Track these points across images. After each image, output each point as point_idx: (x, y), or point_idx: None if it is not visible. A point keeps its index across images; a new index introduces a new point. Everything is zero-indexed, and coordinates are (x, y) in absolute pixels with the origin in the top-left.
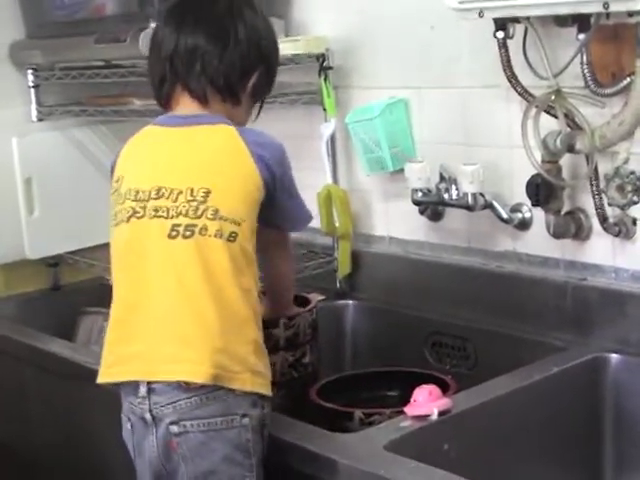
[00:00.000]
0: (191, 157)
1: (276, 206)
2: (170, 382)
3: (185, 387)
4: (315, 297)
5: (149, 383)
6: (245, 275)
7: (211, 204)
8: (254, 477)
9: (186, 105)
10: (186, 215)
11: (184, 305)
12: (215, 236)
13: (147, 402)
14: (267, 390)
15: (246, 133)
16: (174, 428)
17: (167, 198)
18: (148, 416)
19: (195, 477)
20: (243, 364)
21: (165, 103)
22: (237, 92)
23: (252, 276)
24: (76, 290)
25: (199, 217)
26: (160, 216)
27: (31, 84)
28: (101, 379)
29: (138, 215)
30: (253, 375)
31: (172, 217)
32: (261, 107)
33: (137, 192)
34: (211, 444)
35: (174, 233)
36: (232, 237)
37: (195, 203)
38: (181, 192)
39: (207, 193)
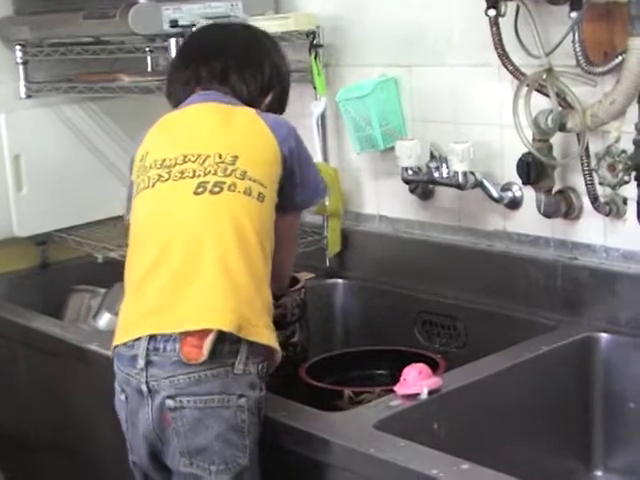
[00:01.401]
0: (217, 128)
1: (294, 181)
2: (173, 354)
3: (185, 363)
4: (304, 276)
5: (148, 355)
6: (267, 238)
7: (239, 166)
8: (247, 458)
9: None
10: (215, 174)
11: (212, 258)
12: (245, 193)
13: (144, 374)
14: (277, 346)
15: (263, 115)
16: (170, 402)
17: (194, 162)
18: (144, 388)
19: (187, 452)
20: (261, 319)
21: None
22: (255, 104)
23: (270, 242)
24: (64, 268)
25: (228, 176)
26: (185, 177)
27: (19, 60)
28: (120, 339)
29: (163, 179)
30: (268, 330)
31: (199, 176)
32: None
33: (163, 160)
34: (206, 421)
35: (200, 190)
36: (261, 197)
37: (223, 165)
38: (209, 156)
39: (235, 158)
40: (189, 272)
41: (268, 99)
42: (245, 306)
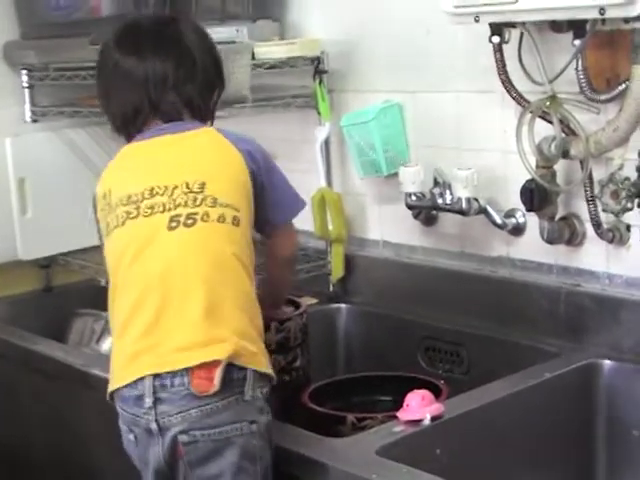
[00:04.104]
0: (180, 157)
1: (266, 196)
2: (183, 388)
3: (196, 396)
4: (306, 301)
5: (155, 392)
6: (248, 261)
7: (208, 193)
8: None
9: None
10: (185, 205)
11: (198, 293)
12: (218, 221)
13: (153, 412)
14: (273, 373)
15: (225, 132)
16: (183, 437)
17: (162, 195)
18: (154, 426)
19: None
20: (257, 346)
21: (137, 131)
22: (208, 109)
23: (251, 264)
24: (68, 292)
25: (198, 205)
26: (156, 212)
27: (25, 84)
28: (118, 382)
29: (132, 216)
30: (264, 357)
31: (169, 210)
32: (213, 120)
33: (129, 197)
34: (219, 451)
35: (174, 224)
36: (236, 221)
37: (192, 194)
38: (176, 187)
39: (202, 185)
40: (176, 307)
41: (214, 98)
42: (240, 336)
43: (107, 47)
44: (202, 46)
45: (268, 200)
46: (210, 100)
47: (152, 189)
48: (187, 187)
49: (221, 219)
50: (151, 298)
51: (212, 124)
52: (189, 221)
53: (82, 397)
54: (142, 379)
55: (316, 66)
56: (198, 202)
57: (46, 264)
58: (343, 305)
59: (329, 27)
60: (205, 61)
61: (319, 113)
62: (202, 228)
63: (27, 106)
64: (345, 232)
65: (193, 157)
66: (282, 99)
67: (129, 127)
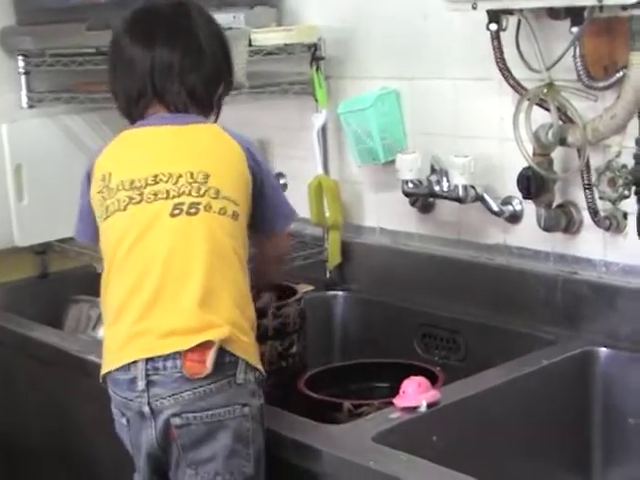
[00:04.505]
0: (184, 147)
1: (265, 200)
2: (175, 371)
3: (188, 379)
4: (302, 287)
5: (148, 375)
6: (244, 255)
7: (212, 185)
8: (252, 467)
9: (164, 114)
10: (189, 194)
11: (195, 278)
12: (220, 213)
13: (146, 395)
14: (261, 365)
15: (229, 130)
16: (176, 420)
17: (166, 182)
18: (146, 409)
19: (194, 463)
20: (249, 338)
21: (139, 115)
22: (211, 101)
23: (246, 258)
24: (64, 278)
25: (202, 195)
26: (159, 198)
27: (21, 70)
28: (111, 365)
29: (135, 201)
30: (255, 351)
31: (173, 197)
32: (219, 114)
33: (132, 181)
34: (212, 434)
35: (176, 211)
36: (235, 216)
37: (196, 184)
38: (181, 175)
39: (206, 176)
40: (172, 293)
41: (220, 90)
42: (232, 325)
43: (118, 30)
44: (213, 37)
45: (268, 202)
46: (214, 92)
47: (156, 176)
48: (191, 177)
49: (222, 211)
50: (149, 281)
51: (217, 119)
52: (192, 210)
53: (78, 383)
54: (135, 362)
55: (313, 53)
56: (202, 192)
57: (42, 250)
58: (340, 292)
59: (326, 14)
60: (214, 52)
61: (316, 100)
62: (204, 218)
63: (23, 92)
64: (342, 219)
65: (197, 149)
66: (279, 86)
67: (132, 110)
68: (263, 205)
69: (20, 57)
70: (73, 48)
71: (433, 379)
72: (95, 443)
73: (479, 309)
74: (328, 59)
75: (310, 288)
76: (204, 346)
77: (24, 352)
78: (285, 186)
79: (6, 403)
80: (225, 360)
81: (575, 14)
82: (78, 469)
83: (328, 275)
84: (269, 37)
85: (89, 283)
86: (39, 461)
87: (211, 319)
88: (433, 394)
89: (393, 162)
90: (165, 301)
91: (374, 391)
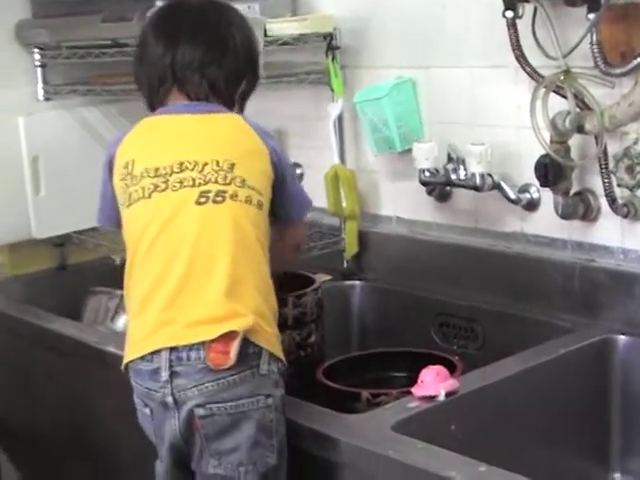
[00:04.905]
0: (209, 136)
1: (285, 191)
2: (199, 362)
3: (212, 369)
4: (320, 277)
5: (172, 366)
6: (266, 245)
7: (237, 174)
8: (275, 457)
9: (184, 102)
10: (215, 182)
11: (221, 267)
12: (246, 202)
13: (169, 386)
14: (283, 356)
15: (250, 121)
16: (200, 411)
17: (192, 170)
18: (170, 400)
19: (217, 453)
20: (272, 328)
21: (160, 103)
22: (233, 97)
23: (267, 246)
24: (82, 270)
25: (228, 184)
26: (186, 186)
27: (37, 63)
28: (134, 354)
29: (160, 189)
30: (278, 341)
31: (199, 185)
32: (243, 108)
33: (156, 169)
34: (236, 425)
35: (203, 199)
36: (259, 205)
37: (222, 172)
38: (207, 163)
39: (232, 165)
40: (199, 282)
41: (242, 87)
42: (257, 314)
43: (146, 25)
44: (239, 37)
45: (287, 193)
46: (235, 89)
47: (182, 163)
48: (217, 165)
49: (248, 200)
50: (175, 270)
51: (241, 113)
52: (218, 198)
53: (97, 375)
54: (158, 352)
55: (329, 42)
56: (228, 180)
57: (60, 242)
58: (357, 282)
59: (341, 3)
60: (239, 51)
61: (332, 90)
62: (230, 206)
63: (40, 85)
64: (358, 209)
65: (221, 138)
66: (295, 76)
67: (153, 99)
68: (282, 195)
69: (36, 50)
70: (89, 40)
71: (451, 368)
72: (114, 434)
73: (497, 297)
74: (344, 48)
75: (328, 278)
76: (228, 337)
77: (42, 344)
78: (302, 176)
79: (25, 395)
80: (249, 351)
81: (592, 1)
82: (97, 460)
83: (345, 265)
84: (284, 27)
85: (107, 275)
86: (58, 453)
87: (236, 308)
88: (451, 383)
89: (410, 151)
90: (191, 290)
91: (392, 380)
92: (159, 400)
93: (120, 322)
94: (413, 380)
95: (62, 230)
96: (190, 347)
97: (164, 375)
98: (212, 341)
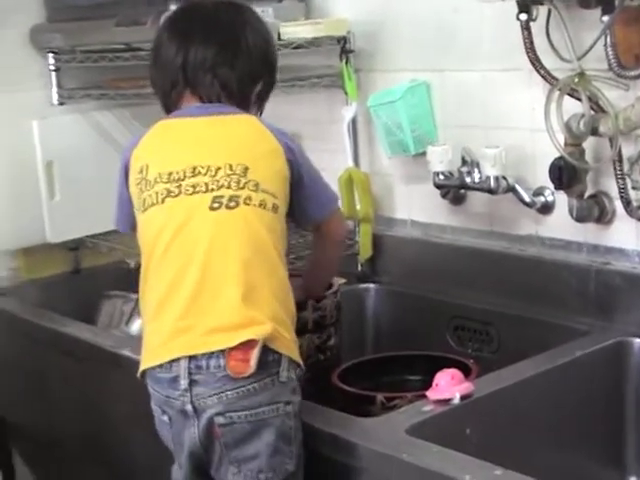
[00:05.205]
0: (222, 139)
1: (302, 189)
2: (219, 370)
3: (232, 377)
4: (337, 280)
5: (191, 374)
6: (283, 249)
7: (251, 178)
8: (293, 464)
9: (197, 104)
10: (229, 187)
11: (235, 273)
12: (260, 206)
13: (188, 394)
14: (301, 361)
15: (264, 121)
16: (220, 419)
17: (204, 174)
18: (189, 408)
19: (237, 461)
20: (290, 334)
21: (174, 106)
22: (247, 98)
23: (285, 252)
24: (97, 274)
25: (242, 188)
26: (199, 191)
27: (52, 67)
28: (151, 361)
29: (173, 194)
30: (296, 346)
31: (212, 190)
32: (262, 110)
33: (169, 174)
34: (257, 432)
35: (216, 205)
36: (275, 209)
37: (236, 177)
38: (220, 168)
39: (245, 169)
40: (214, 288)
41: (257, 88)
42: (274, 320)
43: (161, 26)
44: (254, 38)
45: (304, 192)
46: (250, 91)
47: (194, 168)
48: (230, 169)
49: (262, 204)
50: (190, 276)
51: (260, 115)
52: (232, 203)
53: (112, 378)
54: (177, 360)
55: (342, 46)
56: (241, 185)
57: (74, 247)
58: (372, 285)
59: (355, 7)
60: (253, 52)
61: (346, 93)
62: (244, 211)
63: (54, 89)
64: (373, 212)
65: (235, 140)
66: (309, 79)
67: (167, 102)
68: (300, 194)
69: (50, 54)
70: (103, 44)
71: (466, 371)
72: (129, 439)
73: (512, 300)
74: (357, 52)
75: (342, 281)
76: (247, 344)
77: (57, 348)
78: None
79: (40, 399)
80: (268, 358)
81: (606, 3)
82: (112, 464)
83: (360, 268)
84: (298, 30)
85: (122, 278)
86: (73, 456)
87: (254, 315)
88: (466, 386)
89: (424, 154)
90: (207, 297)
91: (407, 384)
92: (178, 408)
93: (135, 326)
94: (428, 383)
95: (76, 234)
96: (209, 355)
97: (183, 383)
98: (232, 349)
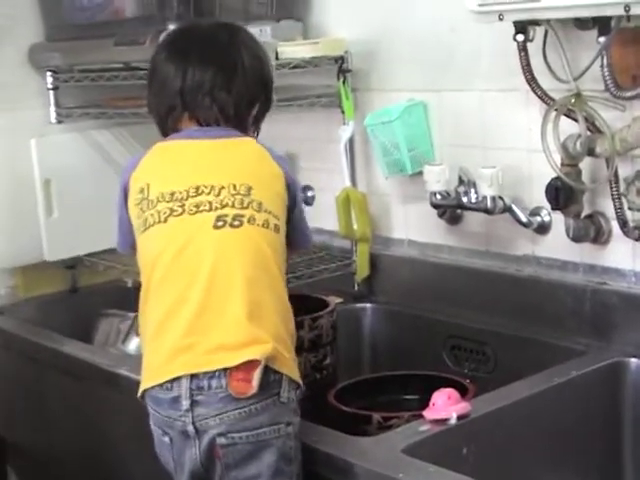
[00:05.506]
0: (225, 160)
1: (295, 217)
2: (220, 390)
3: (233, 398)
4: (333, 300)
5: (192, 395)
6: (284, 268)
7: (255, 197)
8: None
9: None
10: (232, 206)
11: (240, 292)
12: (263, 226)
13: (190, 415)
14: (301, 381)
15: (265, 145)
16: (222, 440)
17: (208, 194)
18: (191, 429)
19: None
20: (290, 353)
21: (171, 129)
22: (245, 120)
23: (285, 270)
24: (94, 292)
25: (245, 208)
26: (202, 210)
27: (50, 86)
28: (152, 381)
29: (176, 213)
30: (296, 365)
31: (216, 209)
32: (259, 131)
33: (172, 193)
34: (258, 453)
35: (220, 223)
36: (276, 229)
37: (239, 196)
38: (223, 187)
39: (249, 189)
40: (218, 306)
41: (254, 111)
42: (276, 340)
43: (157, 47)
44: (250, 61)
45: (294, 222)
46: (247, 113)
47: (198, 187)
48: (234, 189)
49: (265, 224)
50: (194, 294)
51: (257, 135)
52: (235, 222)
53: (109, 397)
54: (178, 379)
55: (340, 65)
56: (245, 204)
57: (72, 265)
58: (368, 304)
59: (352, 26)
60: (249, 74)
61: (343, 112)
62: (248, 230)
63: (52, 107)
64: (370, 231)
65: (237, 162)
66: (306, 99)
67: (164, 126)
68: (292, 224)
69: (49, 73)
70: (101, 63)
71: (463, 391)
72: (127, 458)
73: (508, 320)
74: (355, 72)
75: (339, 300)
76: (249, 364)
77: (55, 367)
78: (313, 198)
79: (37, 417)
80: (270, 379)
81: (602, 24)
82: None
83: (356, 287)
84: (296, 50)
85: (119, 297)
86: (71, 476)
87: (258, 334)
88: (463, 406)
89: (421, 174)
90: (211, 315)
91: (403, 403)
92: (179, 429)
93: (132, 344)
94: (425, 403)
95: (74, 252)
96: (211, 375)
97: (185, 404)
98: (233, 369)
